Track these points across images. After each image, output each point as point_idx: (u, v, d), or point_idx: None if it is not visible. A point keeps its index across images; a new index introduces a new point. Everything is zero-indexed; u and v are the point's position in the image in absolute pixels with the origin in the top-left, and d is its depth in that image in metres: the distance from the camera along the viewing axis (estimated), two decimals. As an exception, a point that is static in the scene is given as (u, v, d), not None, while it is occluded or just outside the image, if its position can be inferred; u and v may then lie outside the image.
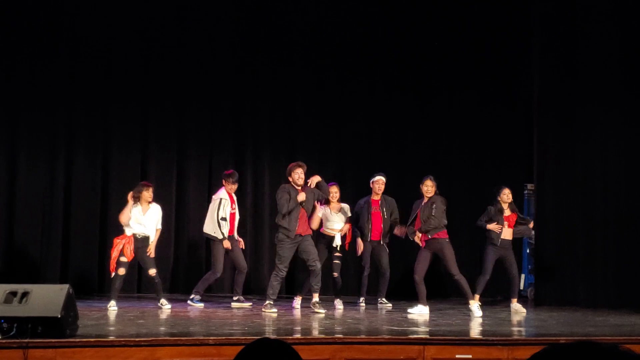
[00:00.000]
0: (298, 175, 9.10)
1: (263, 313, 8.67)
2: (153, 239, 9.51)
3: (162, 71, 12.03)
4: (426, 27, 12.84)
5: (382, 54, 12.87)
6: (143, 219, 9.45)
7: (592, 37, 11.12)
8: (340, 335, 6.41)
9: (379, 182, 10.50)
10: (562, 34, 11.43)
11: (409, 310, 9.21)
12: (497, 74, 12.84)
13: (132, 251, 9.34)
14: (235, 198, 10.40)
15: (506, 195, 10.17)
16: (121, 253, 9.28)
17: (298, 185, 9.08)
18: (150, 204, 9.58)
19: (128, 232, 9.42)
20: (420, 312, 9.16)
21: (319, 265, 9.12)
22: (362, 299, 10.32)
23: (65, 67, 11.61)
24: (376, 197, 10.48)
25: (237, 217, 10.42)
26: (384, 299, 10.44)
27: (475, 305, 9.17)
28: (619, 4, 10.85)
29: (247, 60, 12.43)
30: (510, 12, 12.64)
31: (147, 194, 9.55)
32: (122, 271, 9.28)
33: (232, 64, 12.36)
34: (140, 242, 9.39)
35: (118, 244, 9.35)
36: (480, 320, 8.60)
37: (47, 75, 11.48)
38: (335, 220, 10.17)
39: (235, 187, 10.33)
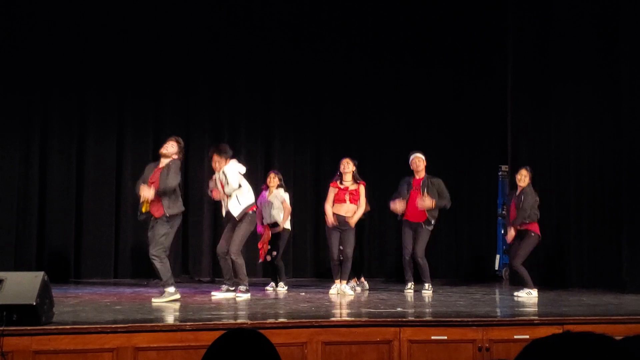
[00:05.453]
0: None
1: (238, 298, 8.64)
2: None
3: (137, 56, 11.97)
4: (401, 6, 12.84)
5: (359, 34, 12.88)
6: None
7: (565, 17, 11.17)
8: (317, 319, 6.43)
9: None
10: (536, 13, 11.49)
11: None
12: (472, 54, 12.91)
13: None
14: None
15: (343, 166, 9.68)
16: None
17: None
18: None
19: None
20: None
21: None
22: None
23: (40, 51, 11.49)
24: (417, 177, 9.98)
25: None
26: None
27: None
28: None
29: (222, 43, 12.38)
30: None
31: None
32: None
33: (207, 46, 12.32)
34: None
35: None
36: (455, 301, 8.65)
37: (21, 61, 11.37)
38: None
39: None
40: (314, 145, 12.73)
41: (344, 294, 9.28)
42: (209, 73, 12.30)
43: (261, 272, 11.77)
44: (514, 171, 11.50)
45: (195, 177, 11.96)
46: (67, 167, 11.57)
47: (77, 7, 11.67)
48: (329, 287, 9.49)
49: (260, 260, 10.37)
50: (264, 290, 9.88)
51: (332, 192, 9.64)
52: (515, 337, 6.39)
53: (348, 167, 9.58)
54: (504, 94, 12.26)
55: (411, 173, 9.98)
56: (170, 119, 12.13)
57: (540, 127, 11.50)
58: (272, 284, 10.16)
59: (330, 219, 9.51)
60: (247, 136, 12.43)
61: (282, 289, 9.97)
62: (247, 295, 8.61)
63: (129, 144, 11.96)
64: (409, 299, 8.98)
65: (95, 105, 11.82)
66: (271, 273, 10.46)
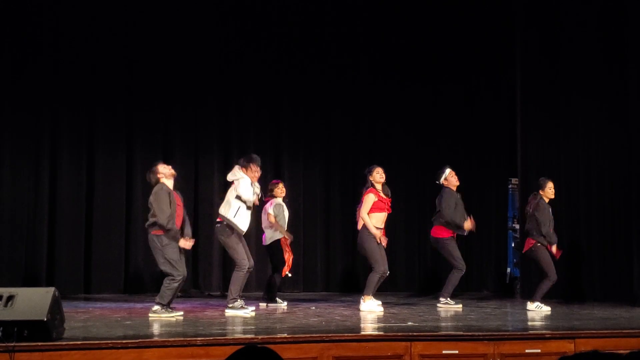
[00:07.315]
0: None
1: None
2: None
3: (147, 71, 11.97)
4: (410, 20, 12.87)
5: (368, 49, 12.90)
6: None
7: (573, 29, 11.18)
8: (328, 334, 6.42)
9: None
10: (544, 26, 11.50)
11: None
12: (481, 67, 12.92)
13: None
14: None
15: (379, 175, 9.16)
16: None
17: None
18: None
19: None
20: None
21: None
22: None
23: (48, 68, 11.50)
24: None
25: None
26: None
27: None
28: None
29: (231, 58, 12.40)
30: (494, 4, 12.70)
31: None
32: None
33: (216, 62, 12.33)
34: None
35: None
36: (465, 315, 8.62)
37: (30, 77, 11.38)
38: None
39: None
40: (323, 159, 12.73)
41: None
42: (217, 87, 12.31)
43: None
44: (523, 184, 11.49)
45: (205, 191, 11.95)
46: (77, 182, 11.56)
47: (84, 21, 11.67)
48: (340, 302, 9.43)
49: (288, 275, 9.92)
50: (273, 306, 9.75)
51: (371, 201, 8.94)
52: (526, 351, 6.38)
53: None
54: (512, 107, 12.24)
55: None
56: (179, 133, 12.12)
57: (549, 139, 11.48)
58: (277, 302, 9.72)
59: (376, 232, 8.82)
60: (256, 151, 12.38)
61: (282, 304, 9.64)
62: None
63: (138, 158, 11.93)
64: (420, 312, 8.92)
65: (104, 120, 11.80)
66: (268, 289, 9.90)
